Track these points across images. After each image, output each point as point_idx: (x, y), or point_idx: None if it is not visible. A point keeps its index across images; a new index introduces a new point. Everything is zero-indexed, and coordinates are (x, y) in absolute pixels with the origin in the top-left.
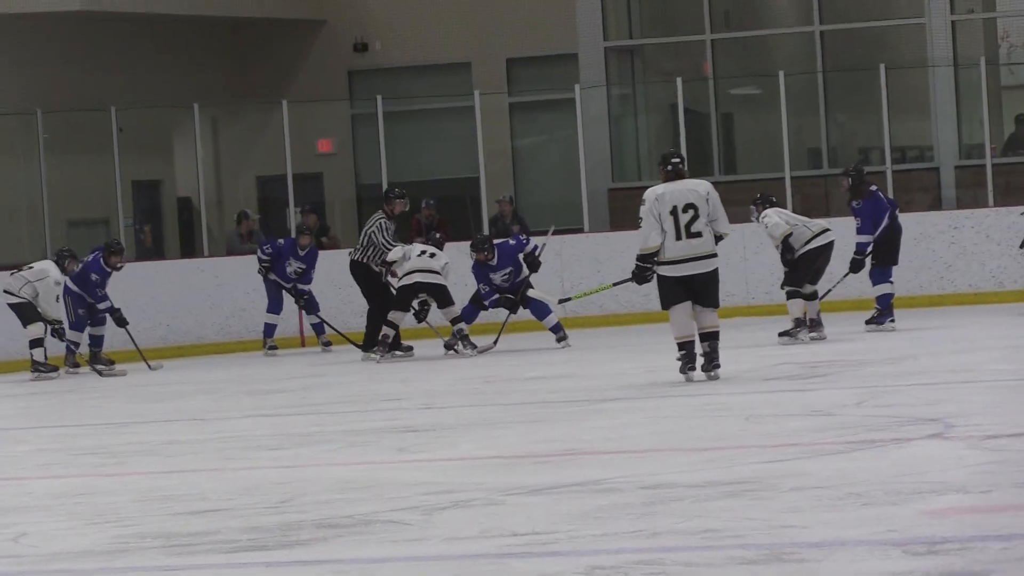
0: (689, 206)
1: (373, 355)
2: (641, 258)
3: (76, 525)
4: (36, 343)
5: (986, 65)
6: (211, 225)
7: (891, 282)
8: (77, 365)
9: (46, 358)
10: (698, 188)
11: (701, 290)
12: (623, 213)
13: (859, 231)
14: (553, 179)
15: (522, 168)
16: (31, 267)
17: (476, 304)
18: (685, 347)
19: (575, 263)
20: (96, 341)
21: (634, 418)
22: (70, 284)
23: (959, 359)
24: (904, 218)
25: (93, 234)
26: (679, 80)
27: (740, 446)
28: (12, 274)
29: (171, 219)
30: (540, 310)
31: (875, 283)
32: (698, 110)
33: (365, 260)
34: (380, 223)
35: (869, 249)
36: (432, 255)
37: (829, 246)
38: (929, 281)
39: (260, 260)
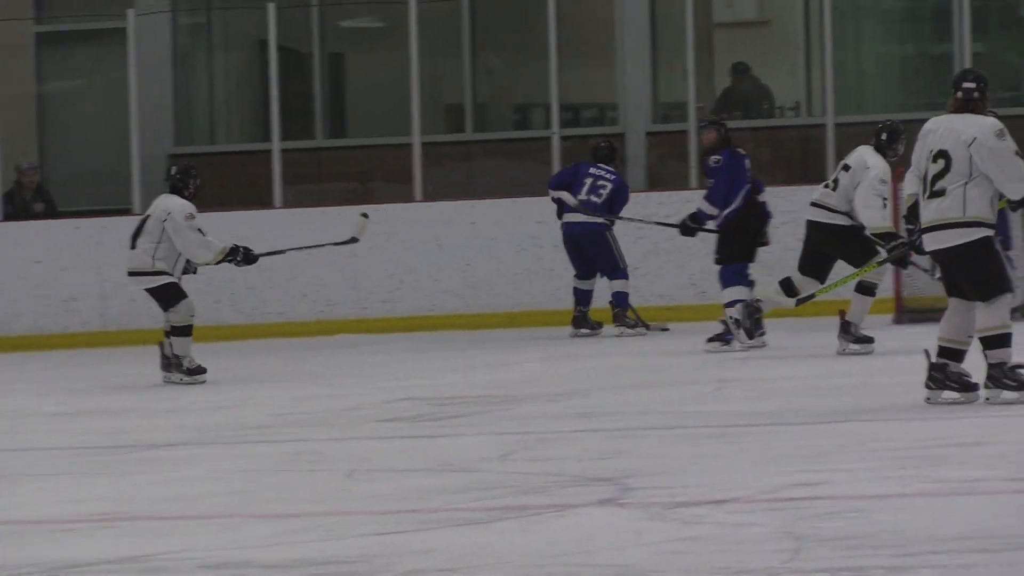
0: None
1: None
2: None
3: None
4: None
5: None
6: None
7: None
8: None
9: None
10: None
11: None
12: None
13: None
14: (94, 140)
15: (52, 123)
16: (144, 226)
17: None
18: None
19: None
20: None
21: (196, 471)
22: None
23: (644, 396)
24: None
25: None
26: (271, 6)
27: (341, 512)
28: (145, 250)
29: None
30: None
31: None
32: (297, 48)
33: None
34: None
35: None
36: None
37: None
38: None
39: None
